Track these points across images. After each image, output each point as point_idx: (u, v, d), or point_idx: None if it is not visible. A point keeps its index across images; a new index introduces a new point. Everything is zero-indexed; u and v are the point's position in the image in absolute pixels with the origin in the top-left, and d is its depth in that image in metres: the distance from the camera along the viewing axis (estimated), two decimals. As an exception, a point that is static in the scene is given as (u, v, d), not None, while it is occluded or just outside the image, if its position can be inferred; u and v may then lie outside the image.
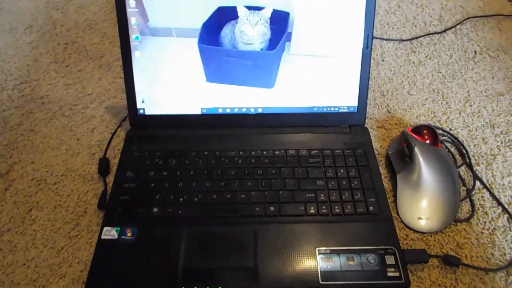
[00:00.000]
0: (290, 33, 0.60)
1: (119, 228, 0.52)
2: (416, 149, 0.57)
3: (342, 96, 0.63)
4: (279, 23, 0.60)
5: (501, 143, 0.65)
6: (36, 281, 0.51)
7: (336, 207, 0.55)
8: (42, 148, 0.66)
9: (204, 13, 0.59)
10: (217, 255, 0.50)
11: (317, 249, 0.51)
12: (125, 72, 0.62)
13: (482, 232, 0.55)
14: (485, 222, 0.56)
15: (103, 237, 0.52)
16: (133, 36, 0.60)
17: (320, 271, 0.49)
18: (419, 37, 0.85)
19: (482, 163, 0.63)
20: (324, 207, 0.55)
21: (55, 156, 0.64)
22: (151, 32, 0.60)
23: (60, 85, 0.76)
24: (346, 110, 0.64)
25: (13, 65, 0.80)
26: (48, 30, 0.88)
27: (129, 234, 0.52)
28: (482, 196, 0.59)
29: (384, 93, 0.74)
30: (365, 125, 0.65)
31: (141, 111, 0.64)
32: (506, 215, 0.57)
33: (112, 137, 0.67)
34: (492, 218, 0.56)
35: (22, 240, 0.55)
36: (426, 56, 0.81)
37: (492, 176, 0.61)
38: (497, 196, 0.58)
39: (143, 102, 0.63)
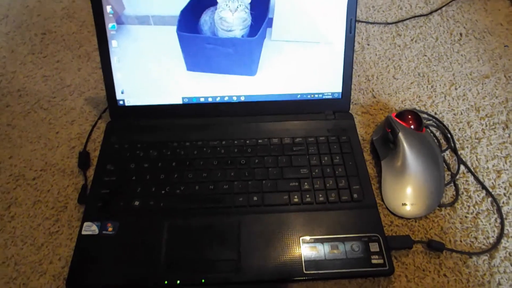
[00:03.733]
0: (271, 19, 0.59)
1: (99, 223, 0.52)
2: (400, 135, 0.57)
3: (325, 82, 0.62)
4: (260, 9, 0.58)
5: (486, 126, 0.65)
6: (16, 279, 0.50)
7: (320, 195, 0.54)
8: (20, 142, 0.64)
9: (182, 0, 0.57)
10: (200, 247, 0.49)
11: (301, 238, 0.50)
12: (102, 62, 0.60)
13: (466, 216, 0.55)
14: (469, 206, 0.56)
15: (83, 232, 0.51)
16: (109, 25, 0.58)
17: (304, 261, 0.48)
18: (405, 20, 0.83)
19: (467, 147, 0.62)
20: (308, 196, 0.54)
21: (33, 151, 0.63)
22: (128, 20, 0.58)
23: (37, 77, 0.74)
24: (330, 97, 0.63)
25: (-12, 57, 0.77)
26: (25, 20, 0.85)
27: (110, 229, 0.51)
28: (466, 180, 0.59)
29: (369, 78, 0.73)
30: (350, 111, 0.64)
31: (121, 102, 0.62)
32: (489, 199, 0.56)
33: (92, 130, 0.65)
34: (476, 202, 0.56)
35: (1, 238, 0.54)
36: (411, 39, 0.80)
37: (477, 160, 0.61)
38: (481, 180, 0.58)
39: (122, 93, 0.62)
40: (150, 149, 0.59)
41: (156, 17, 0.58)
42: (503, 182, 0.58)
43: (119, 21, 0.58)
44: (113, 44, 0.59)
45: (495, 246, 0.52)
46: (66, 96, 0.70)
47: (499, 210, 0.55)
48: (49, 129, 0.66)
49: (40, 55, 0.78)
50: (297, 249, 0.49)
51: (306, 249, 0.49)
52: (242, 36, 0.59)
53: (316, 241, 0.50)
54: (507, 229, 0.54)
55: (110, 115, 0.63)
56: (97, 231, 0.51)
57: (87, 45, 0.79)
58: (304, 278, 0.48)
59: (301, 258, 0.49)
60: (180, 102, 0.62)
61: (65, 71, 0.75)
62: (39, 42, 0.80)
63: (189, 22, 0.58)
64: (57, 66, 0.76)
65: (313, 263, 0.48)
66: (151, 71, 0.61)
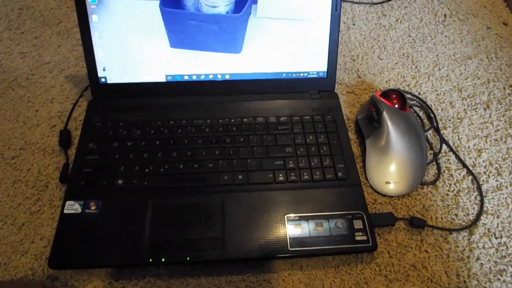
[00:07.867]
0: (256, -5, 0.58)
1: (82, 202, 0.51)
2: (385, 114, 0.57)
3: (311, 61, 0.62)
4: (245, -16, 0.57)
5: (468, 106, 0.66)
6: (-3, 259, 0.49)
7: (305, 174, 0.54)
8: (-2, 120, 0.62)
9: (164, -26, 0.55)
10: (185, 226, 0.49)
11: (285, 216, 0.50)
12: (83, 38, 0.58)
13: (447, 194, 0.56)
14: (450, 184, 0.57)
15: (65, 211, 0.50)
16: (89, -2, 0.56)
17: (289, 238, 0.49)
18: (390, 0, 0.83)
19: (449, 126, 0.63)
20: (293, 174, 0.54)
21: (12, 129, 0.61)
22: (109, -6, 0.56)
23: (15, 54, 0.71)
24: (315, 76, 0.63)
25: (-38, 33, 0.74)
26: (0, -6, 0.82)
27: (93, 208, 0.50)
28: (448, 159, 0.60)
29: (354, 58, 0.73)
30: (335, 91, 0.64)
31: (103, 80, 0.61)
32: (470, 177, 0.58)
33: (73, 108, 0.64)
34: (457, 180, 0.57)
35: (-20, 217, 0.53)
36: (396, 20, 0.80)
37: (458, 139, 0.62)
38: (462, 159, 0.59)
39: (104, 70, 0.60)
40: (133, 128, 0.58)
41: (138, -9, 0.56)
42: (483, 161, 0.59)
43: (100, -5, 0.56)
44: (94, 19, 0.57)
45: (474, 222, 0.53)
46: (46, 74, 0.68)
47: (479, 188, 0.57)
48: (28, 107, 0.64)
49: (17, 31, 0.75)
50: (282, 226, 0.50)
51: (291, 226, 0.50)
52: (227, 13, 0.58)
53: (301, 218, 0.50)
54: (486, 206, 0.55)
55: (92, 93, 0.61)
56: (79, 210, 0.50)
57: (67, 21, 0.77)
58: (289, 255, 0.48)
59: (286, 236, 0.49)
60: (164, 80, 0.61)
61: (43, 47, 0.72)
62: (16, 17, 0.77)
63: (172, -3, 0.57)
64: (35, 43, 0.73)
65: (297, 240, 0.49)
66: (134, 47, 0.59)
